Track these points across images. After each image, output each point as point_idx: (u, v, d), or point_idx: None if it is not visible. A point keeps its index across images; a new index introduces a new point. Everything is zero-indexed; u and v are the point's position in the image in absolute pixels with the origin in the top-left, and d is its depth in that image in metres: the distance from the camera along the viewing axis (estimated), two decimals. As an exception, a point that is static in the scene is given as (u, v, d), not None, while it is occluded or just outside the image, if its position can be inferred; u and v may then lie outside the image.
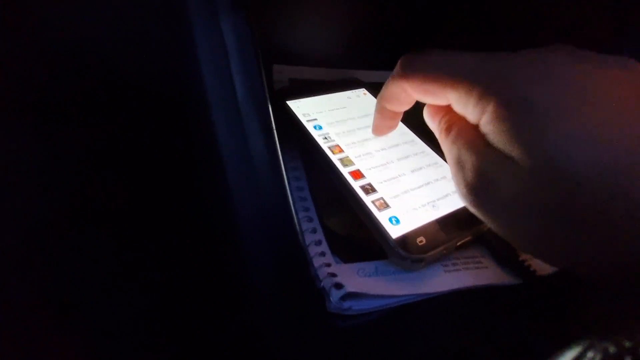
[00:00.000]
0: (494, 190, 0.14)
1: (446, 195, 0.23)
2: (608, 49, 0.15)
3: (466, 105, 0.15)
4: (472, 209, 0.16)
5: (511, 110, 0.13)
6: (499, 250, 0.22)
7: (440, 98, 0.16)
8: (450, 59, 0.16)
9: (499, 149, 0.14)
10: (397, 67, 0.18)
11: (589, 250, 0.13)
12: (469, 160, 0.15)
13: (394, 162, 0.25)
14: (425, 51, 0.17)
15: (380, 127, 0.23)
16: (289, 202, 0.20)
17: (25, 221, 0.18)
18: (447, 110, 0.18)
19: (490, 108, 0.14)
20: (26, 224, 0.18)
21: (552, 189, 0.12)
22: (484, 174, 0.14)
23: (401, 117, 0.22)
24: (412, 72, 0.17)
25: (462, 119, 0.16)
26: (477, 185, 0.15)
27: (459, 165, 0.16)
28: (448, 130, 0.17)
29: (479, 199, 0.15)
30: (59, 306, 0.19)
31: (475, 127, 0.16)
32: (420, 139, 0.27)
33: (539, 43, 0.15)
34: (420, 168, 0.25)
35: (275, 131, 0.20)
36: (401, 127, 0.28)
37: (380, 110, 0.21)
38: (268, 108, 0.20)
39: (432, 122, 0.19)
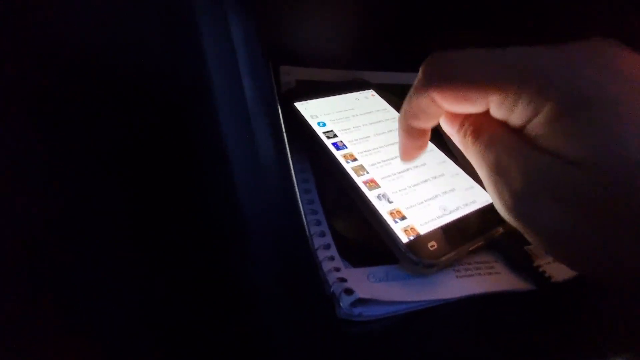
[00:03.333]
0: (550, 194, 0.13)
1: (458, 199, 0.22)
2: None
3: (513, 107, 0.13)
4: (514, 219, 0.14)
5: (574, 108, 0.12)
6: (513, 256, 0.21)
7: (479, 104, 0.15)
8: (486, 57, 0.14)
9: (553, 152, 0.13)
10: (420, 77, 0.16)
11: None
12: (513, 165, 0.14)
13: (404, 164, 0.24)
14: (450, 53, 0.15)
15: (409, 150, 0.19)
16: (297, 204, 0.20)
17: (26, 221, 0.18)
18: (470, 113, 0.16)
19: (547, 107, 0.13)
20: (27, 224, 0.18)
21: (628, 194, 0.11)
22: (535, 179, 0.13)
23: (430, 134, 0.19)
24: (442, 79, 0.15)
25: (493, 122, 0.15)
26: (526, 193, 0.13)
27: (499, 172, 0.14)
28: (476, 133, 0.15)
29: (527, 209, 0.13)
30: (60, 307, 0.19)
31: (515, 130, 0.14)
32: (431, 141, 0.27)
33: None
34: (432, 172, 0.24)
35: (284, 133, 0.20)
36: None
37: (407, 130, 0.18)
38: (277, 109, 0.20)
39: (452, 126, 0.17)
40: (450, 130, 0.17)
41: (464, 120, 0.16)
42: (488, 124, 0.15)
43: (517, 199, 0.13)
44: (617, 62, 0.13)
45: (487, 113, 0.15)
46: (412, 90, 0.16)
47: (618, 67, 0.12)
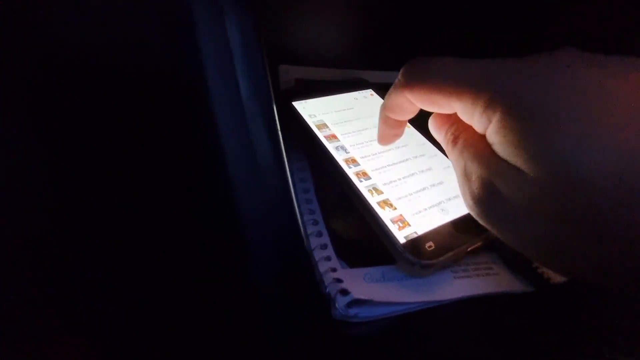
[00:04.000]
0: (501, 201, 0.14)
1: (456, 199, 0.22)
2: (614, 49, 0.14)
3: (472, 115, 0.15)
4: (479, 220, 0.15)
5: (517, 120, 0.13)
6: (511, 257, 0.21)
7: (445, 108, 0.16)
8: (453, 66, 0.15)
9: (505, 160, 0.14)
10: (400, 76, 0.17)
11: (604, 258, 0.12)
12: (475, 171, 0.15)
13: (402, 164, 0.24)
14: (427, 59, 0.16)
15: (386, 136, 0.22)
16: (293, 204, 0.19)
17: (26, 221, 0.18)
18: (454, 120, 0.17)
19: (496, 117, 0.14)
20: (27, 224, 0.18)
21: (563, 198, 0.12)
22: (490, 185, 0.14)
23: (406, 125, 0.22)
24: (415, 81, 0.17)
25: (469, 129, 0.16)
26: (483, 197, 0.14)
27: (466, 176, 0.15)
28: (455, 141, 0.17)
29: (485, 210, 0.15)
30: (60, 307, 0.19)
31: (483, 137, 0.15)
32: (431, 142, 0.27)
33: (542, 44, 0.14)
34: (429, 170, 0.24)
35: (280, 132, 0.20)
36: (413, 132, 0.27)
37: (384, 120, 0.21)
38: (273, 109, 0.20)
39: (438, 133, 0.19)
40: (436, 135, 0.19)
41: (448, 128, 0.17)
42: (465, 132, 0.16)
43: (478, 202, 0.15)
44: (568, 73, 0.13)
45: (467, 124, 0.17)
46: (392, 87, 0.18)
47: (566, 78, 0.13)
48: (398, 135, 0.22)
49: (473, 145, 0.15)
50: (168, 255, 0.21)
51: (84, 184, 0.20)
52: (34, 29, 0.18)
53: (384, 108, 0.20)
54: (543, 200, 0.13)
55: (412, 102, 0.17)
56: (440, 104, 0.16)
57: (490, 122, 0.14)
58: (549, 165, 0.12)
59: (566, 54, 0.14)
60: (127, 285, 0.20)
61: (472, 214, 0.16)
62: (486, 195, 0.14)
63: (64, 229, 0.19)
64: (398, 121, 0.20)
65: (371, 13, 0.33)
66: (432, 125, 0.19)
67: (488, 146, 0.15)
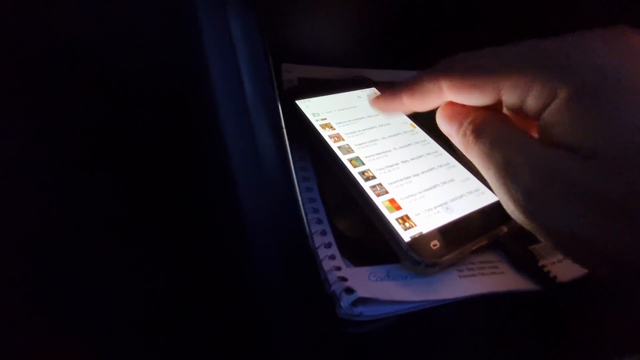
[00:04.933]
0: (562, 196, 0.12)
1: (461, 198, 0.22)
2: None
3: (527, 94, 0.13)
4: (527, 220, 0.13)
5: (589, 96, 0.12)
6: (517, 255, 0.21)
7: (486, 93, 0.14)
8: (494, 50, 0.14)
9: (568, 145, 0.12)
10: (437, 66, 0.16)
11: None
12: (524, 163, 0.13)
13: (406, 162, 0.24)
14: (464, 53, 0.15)
15: (382, 106, 0.19)
16: (298, 202, 0.19)
17: (26, 220, 0.18)
18: (471, 111, 0.16)
19: (562, 94, 0.12)
20: (27, 224, 0.18)
21: None
22: (548, 177, 0.12)
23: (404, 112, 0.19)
24: (454, 68, 0.15)
25: (494, 119, 0.15)
26: (539, 191, 0.13)
27: (508, 171, 0.13)
28: (477, 132, 0.15)
29: (540, 208, 0.13)
30: (59, 307, 0.19)
31: (516, 127, 0.14)
32: (434, 140, 0.27)
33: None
34: (434, 169, 0.24)
35: (284, 130, 0.20)
36: (416, 129, 0.27)
37: (393, 95, 0.18)
38: (277, 107, 0.20)
39: (450, 126, 0.17)
40: (448, 129, 0.17)
41: (463, 120, 0.16)
42: (491, 123, 0.15)
43: (529, 198, 0.13)
44: (637, 49, 0.12)
45: (488, 111, 0.15)
46: (420, 73, 0.16)
47: (634, 56, 0.12)
48: (392, 110, 0.19)
49: (510, 136, 0.14)
50: (170, 255, 0.21)
51: (84, 183, 0.20)
52: (37, 26, 0.18)
53: (402, 88, 0.17)
54: (616, 188, 0.11)
55: (441, 92, 0.16)
56: (483, 89, 0.14)
57: (553, 99, 0.12)
58: (628, 143, 0.11)
59: (622, 30, 0.13)
60: (127, 285, 0.20)
61: (516, 213, 0.14)
62: (543, 190, 0.13)
63: (63, 228, 0.19)
64: (401, 105, 0.18)
65: (374, 11, 0.32)
66: (443, 117, 0.17)
67: (528, 135, 0.13)
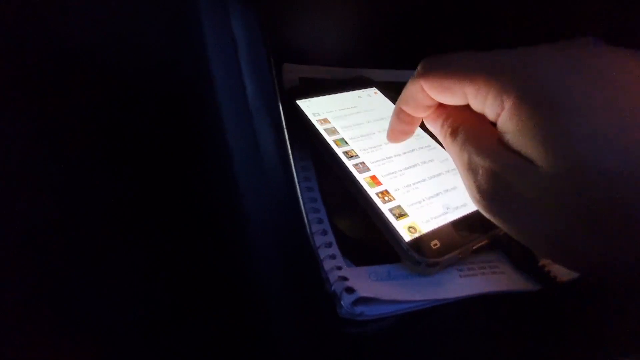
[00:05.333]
0: (511, 195, 0.13)
1: (461, 197, 0.22)
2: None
3: (485, 100, 0.14)
4: (486, 215, 0.15)
5: (533, 106, 0.12)
6: (517, 255, 0.21)
7: (457, 95, 0.16)
8: (468, 55, 0.15)
9: (516, 150, 0.13)
10: (417, 69, 0.17)
11: (622, 252, 0.12)
12: (481, 164, 0.14)
13: (406, 162, 0.24)
14: (444, 54, 0.16)
15: (396, 133, 0.21)
16: (299, 202, 0.19)
17: (27, 221, 0.18)
18: (451, 112, 0.17)
19: (509, 103, 0.13)
20: (27, 224, 0.18)
21: (582, 191, 0.12)
22: (499, 178, 0.14)
23: (418, 124, 0.21)
24: (430, 70, 0.16)
25: (469, 121, 0.16)
26: (491, 190, 0.14)
27: (470, 169, 0.15)
28: (454, 133, 0.16)
29: (494, 205, 0.14)
30: (60, 307, 0.19)
31: (488, 129, 0.15)
32: (441, 146, 0.27)
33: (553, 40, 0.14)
34: (434, 170, 0.24)
35: (285, 130, 0.20)
36: (423, 136, 0.27)
37: (397, 113, 0.20)
38: (278, 107, 0.20)
39: (433, 125, 0.18)
40: (433, 129, 0.19)
41: (444, 121, 0.17)
42: (464, 124, 0.16)
43: (486, 196, 0.14)
44: (588, 60, 0.13)
45: (464, 112, 0.17)
46: (409, 80, 0.18)
47: (586, 66, 0.12)
48: (408, 133, 0.22)
49: (477, 137, 0.15)
50: (171, 254, 0.21)
51: (85, 183, 0.20)
52: (38, 27, 0.18)
53: (399, 101, 0.20)
54: (559, 193, 0.12)
55: (425, 92, 0.17)
56: (453, 91, 0.16)
57: (503, 108, 0.13)
58: (567, 156, 0.12)
59: (585, 43, 0.13)
60: (128, 285, 0.20)
61: (479, 207, 0.15)
62: (494, 188, 0.14)
63: (64, 228, 0.19)
64: (410, 118, 0.20)
65: (375, 11, 0.33)
66: (427, 118, 0.19)
67: (495, 137, 0.14)
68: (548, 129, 0.12)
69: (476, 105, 0.15)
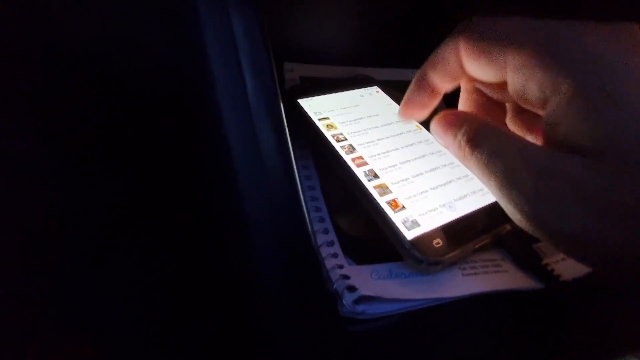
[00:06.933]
0: (566, 199, 0.12)
1: (464, 196, 0.22)
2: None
3: (530, 77, 0.12)
4: (530, 225, 0.13)
5: (593, 92, 0.11)
6: (520, 254, 0.21)
7: (495, 65, 0.14)
8: (518, 19, 0.13)
9: (569, 144, 0.12)
10: (457, 27, 0.16)
11: None
12: (525, 169, 0.12)
13: (409, 161, 0.24)
14: (487, 17, 0.15)
15: (410, 105, 0.19)
16: (301, 201, 0.19)
17: (27, 221, 0.18)
18: (463, 120, 0.16)
19: (565, 88, 0.11)
20: (28, 224, 0.18)
21: None
22: (550, 181, 0.12)
23: (437, 101, 0.18)
24: (472, 28, 0.15)
25: (490, 126, 0.14)
26: (541, 197, 0.12)
27: (509, 178, 0.13)
28: (473, 143, 0.14)
29: (543, 213, 0.12)
30: (59, 307, 0.19)
31: (509, 130, 0.14)
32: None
33: None
34: (437, 168, 0.24)
35: (287, 129, 0.19)
36: (417, 127, 0.27)
37: (419, 80, 0.18)
38: (279, 106, 0.19)
39: (444, 138, 0.16)
40: (443, 142, 0.17)
41: (457, 130, 0.15)
42: (485, 131, 0.14)
43: (533, 202, 0.12)
44: None
45: (480, 119, 0.15)
46: (444, 41, 0.16)
47: None
48: (424, 108, 0.19)
49: (511, 142, 0.13)
50: (172, 253, 0.21)
51: (86, 183, 0.20)
52: (39, 27, 0.18)
53: (425, 64, 0.17)
54: (619, 189, 0.11)
55: (459, 56, 0.15)
56: (492, 57, 0.14)
57: (557, 92, 0.12)
58: (630, 144, 0.10)
59: (632, 27, 0.12)
60: (128, 285, 0.20)
61: (519, 218, 0.13)
62: (546, 195, 0.12)
63: (64, 228, 0.19)
64: (431, 88, 0.18)
65: (376, 10, 0.33)
66: (436, 130, 0.17)
67: (545, 137, 0.13)
68: (607, 114, 0.11)
69: (515, 83, 0.13)
